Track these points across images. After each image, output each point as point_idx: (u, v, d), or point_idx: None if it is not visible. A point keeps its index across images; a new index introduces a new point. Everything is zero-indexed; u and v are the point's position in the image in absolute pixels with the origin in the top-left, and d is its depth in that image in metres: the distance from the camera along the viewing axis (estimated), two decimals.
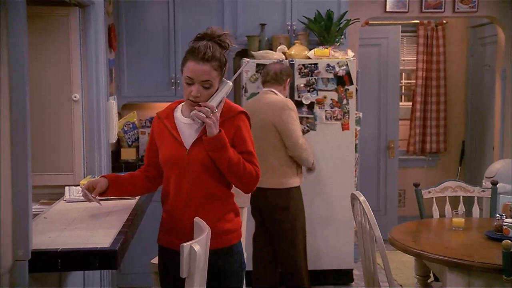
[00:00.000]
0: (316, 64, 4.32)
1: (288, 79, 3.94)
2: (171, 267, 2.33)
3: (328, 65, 4.32)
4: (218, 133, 2.20)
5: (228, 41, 2.27)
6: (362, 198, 2.84)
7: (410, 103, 6.47)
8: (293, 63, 4.31)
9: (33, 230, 1.93)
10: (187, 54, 2.23)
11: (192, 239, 1.99)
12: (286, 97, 3.96)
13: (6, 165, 1.79)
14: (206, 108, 2.18)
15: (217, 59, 2.20)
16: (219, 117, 2.24)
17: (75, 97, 3.25)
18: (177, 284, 2.31)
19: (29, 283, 1.85)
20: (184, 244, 1.84)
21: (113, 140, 4.00)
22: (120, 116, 4.54)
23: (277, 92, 3.88)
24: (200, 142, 2.26)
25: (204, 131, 2.24)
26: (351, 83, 4.35)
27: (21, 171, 1.82)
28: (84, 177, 3.25)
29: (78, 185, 2.94)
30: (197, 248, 1.86)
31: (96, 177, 3.20)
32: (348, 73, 4.34)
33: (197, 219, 2.12)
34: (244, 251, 3.28)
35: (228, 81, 2.27)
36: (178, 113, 2.34)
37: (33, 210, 2.10)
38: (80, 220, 2.33)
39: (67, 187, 2.85)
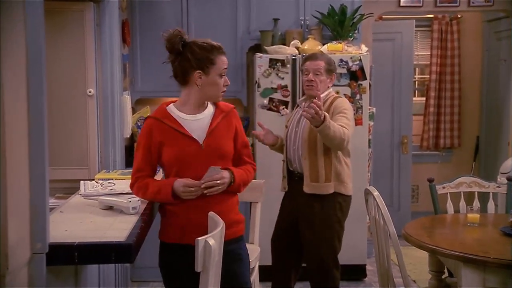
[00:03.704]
0: None
1: None
2: (185, 264, 2.31)
3: (341, 60, 4.29)
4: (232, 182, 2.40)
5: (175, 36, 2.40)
6: (376, 193, 2.83)
7: (424, 98, 6.43)
8: None
9: (50, 223, 1.94)
10: None
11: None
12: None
13: (24, 159, 1.81)
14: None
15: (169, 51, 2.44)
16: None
17: (90, 92, 3.27)
18: (188, 281, 2.33)
19: (46, 276, 1.87)
20: (199, 238, 1.86)
21: (127, 134, 4.03)
22: (133, 111, 4.55)
23: None
24: (211, 134, 2.39)
25: (214, 123, 2.40)
26: (365, 78, 4.33)
27: (38, 166, 1.84)
28: (98, 172, 3.27)
29: (93, 180, 2.96)
30: (212, 242, 1.86)
31: (110, 171, 3.23)
32: (362, 68, 4.31)
33: (211, 213, 2.14)
34: (257, 245, 3.31)
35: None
36: (177, 112, 2.43)
37: (50, 204, 2.11)
38: (95, 214, 2.35)
39: (82, 181, 2.87)
